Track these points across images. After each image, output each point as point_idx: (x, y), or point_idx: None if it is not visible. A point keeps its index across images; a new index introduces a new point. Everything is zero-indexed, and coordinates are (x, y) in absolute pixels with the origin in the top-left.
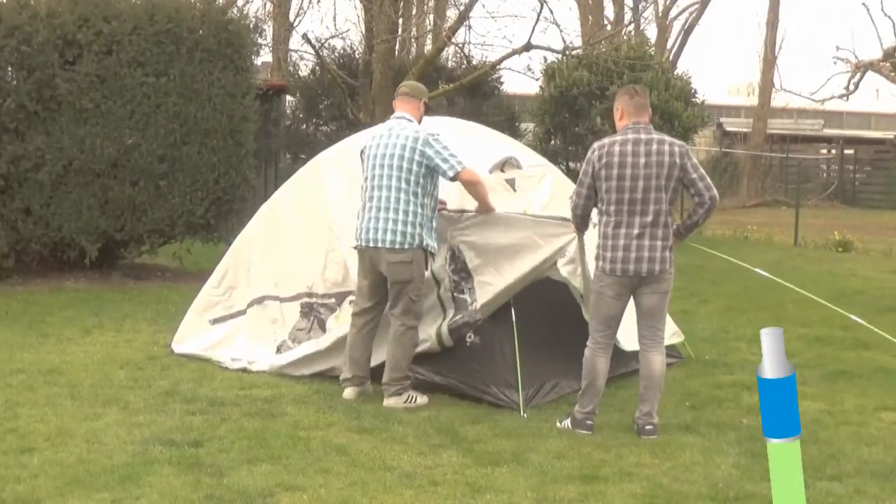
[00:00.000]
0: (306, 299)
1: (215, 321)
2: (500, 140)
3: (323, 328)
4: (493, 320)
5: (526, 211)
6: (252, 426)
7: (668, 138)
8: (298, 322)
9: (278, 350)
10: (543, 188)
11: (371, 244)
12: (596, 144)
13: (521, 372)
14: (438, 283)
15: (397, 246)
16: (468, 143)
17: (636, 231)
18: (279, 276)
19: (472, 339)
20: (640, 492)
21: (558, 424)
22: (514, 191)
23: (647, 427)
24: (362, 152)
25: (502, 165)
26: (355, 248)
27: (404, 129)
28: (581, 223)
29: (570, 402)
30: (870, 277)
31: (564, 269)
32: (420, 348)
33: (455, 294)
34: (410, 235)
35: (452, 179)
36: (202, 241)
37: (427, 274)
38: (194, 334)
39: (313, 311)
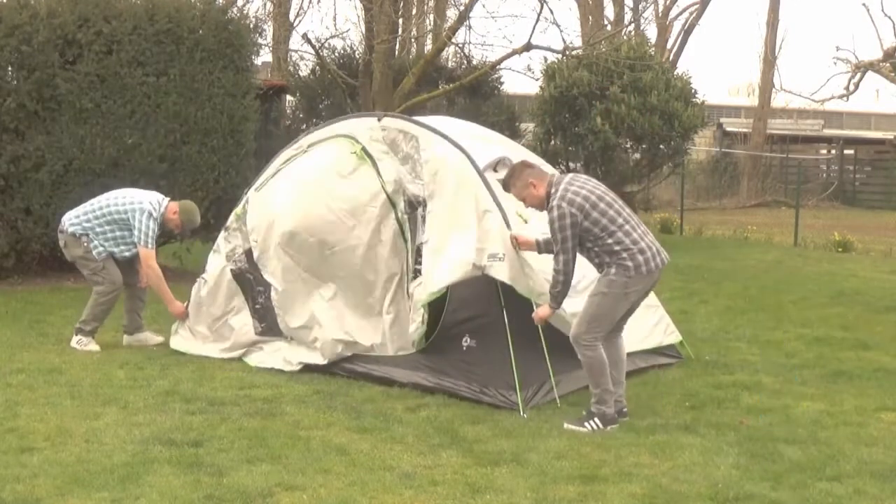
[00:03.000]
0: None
1: (214, 320)
2: (497, 141)
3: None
4: (490, 322)
5: (519, 212)
6: (252, 426)
7: None
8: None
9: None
10: None
11: None
12: (563, 204)
13: (520, 372)
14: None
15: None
16: (466, 143)
17: (647, 229)
18: None
19: (468, 342)
20: (640, 492)
21: (566, 426)
22: (508, 191)
23: (625, 409)
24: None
25: (495, 165)
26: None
27: None
28: (566, 292)
29: (570, 403)
30: (870, 278)
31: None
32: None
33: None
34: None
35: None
36: (202, 241)
37: None
38: (193, 333)
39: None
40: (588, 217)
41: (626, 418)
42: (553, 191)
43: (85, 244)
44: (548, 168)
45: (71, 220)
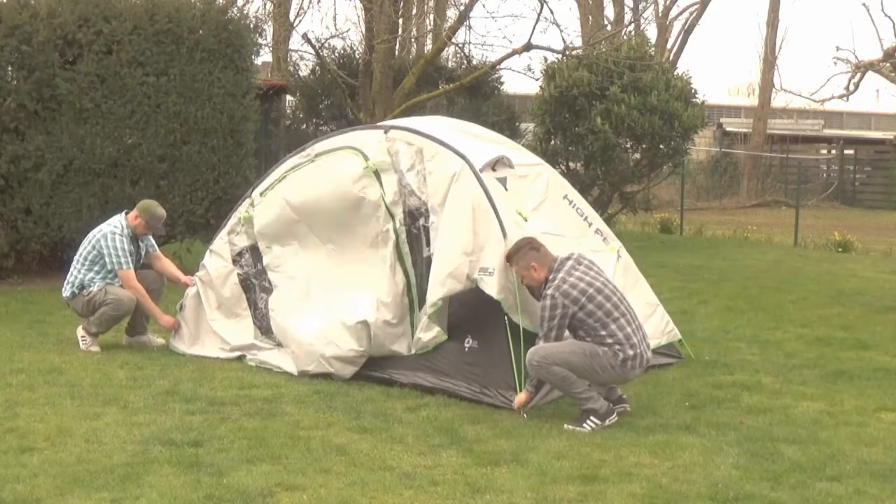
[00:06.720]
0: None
1: (214, 319)
2: (496, 140)
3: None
4: (490, 324)
5: (518, 210)
6: (252, 426)
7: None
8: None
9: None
10: (537, 188)
11: None
12: (558, 294)
13: (521, 373)
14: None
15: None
16: (465, 145)
17: (640, 323)
18: None
19: (470, 343)
20: (640, 492)
21: (566, 426)
22: (506, 190)
23: (623, 396)
24: None
25: (494, 164)
26: None
27: None
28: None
29: (570, 403)
30: (870, 278)
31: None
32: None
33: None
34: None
35: None
36: (202, 241)
37: None
38: (193, 333)
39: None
40: (583, 309)
41: (626, 405)
42: (552, 277)
43: (84, 294)
44: (548, 168)
45: (64, 288)
